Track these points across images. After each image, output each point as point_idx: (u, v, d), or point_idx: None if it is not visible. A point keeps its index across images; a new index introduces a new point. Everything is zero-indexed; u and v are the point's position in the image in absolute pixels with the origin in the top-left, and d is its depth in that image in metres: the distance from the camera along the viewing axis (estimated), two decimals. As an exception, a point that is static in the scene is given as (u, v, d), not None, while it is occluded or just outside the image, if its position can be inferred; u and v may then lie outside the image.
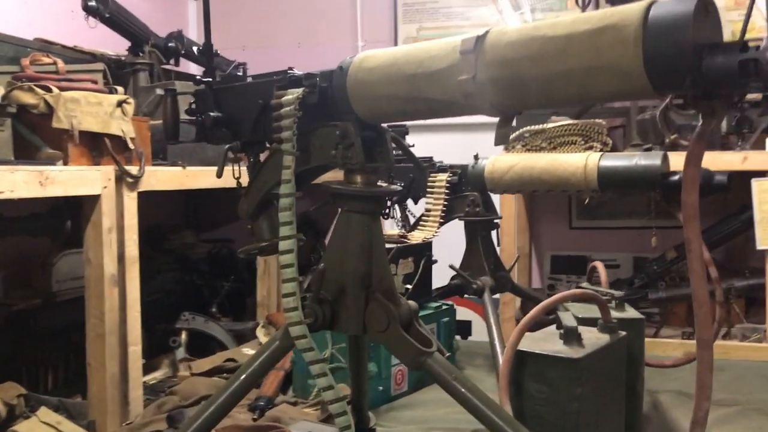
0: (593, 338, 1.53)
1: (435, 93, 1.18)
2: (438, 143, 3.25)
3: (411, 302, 1.37)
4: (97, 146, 2.12)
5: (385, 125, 1.39)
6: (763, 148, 2.83)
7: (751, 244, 3.05)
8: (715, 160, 2.54)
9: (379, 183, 1.40)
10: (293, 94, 1.31)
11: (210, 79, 1.52)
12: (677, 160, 2.11)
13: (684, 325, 3.30)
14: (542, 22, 1.07)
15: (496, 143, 1.18)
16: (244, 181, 1.49)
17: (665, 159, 2.01)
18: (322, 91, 1.32)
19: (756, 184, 2.76)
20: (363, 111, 1.30)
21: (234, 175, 1.48)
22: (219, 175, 1.49)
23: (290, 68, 1.40)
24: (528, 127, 2.89)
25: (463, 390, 1.26)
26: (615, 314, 1.66)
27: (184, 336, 2.78)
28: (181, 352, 2.71)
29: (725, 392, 2.12)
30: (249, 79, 1.51)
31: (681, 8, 0.94)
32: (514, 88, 1.09)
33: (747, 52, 0.91)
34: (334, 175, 1.46)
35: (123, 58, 2.97)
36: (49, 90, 2.01)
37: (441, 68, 1.16)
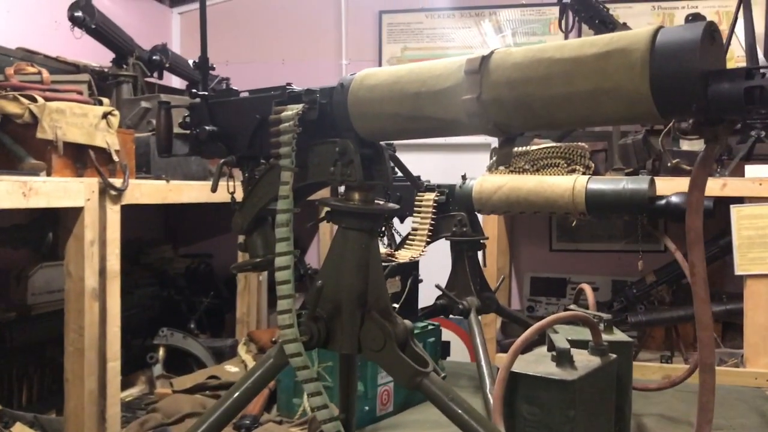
0: (585, 360, 1.53)
1: (438, 112, 1.18)
2: (424, 162, 3.26)
3: (407, 321, 1.36)
4: (81, 158, 2.09)
5: (382, 143, 1.39)
6: (741, 175, 2.89)
7: (728, 269, 3.09)
8: (696, 186, 2.58)
9: (376, 201, 1.39)
10: (293, 109, 1.30)
11: (206, 93, 1.50)
12: (660, 185, 2.14)
13: (662, 349, 3.34)
14: (548, 44, 1.08)
15: (499, 164, 1.19)
16: (239, 196, 1.48)
17: (652, 183, 2.04)
18: (321, 108, 1.32)
19: (735, 210, 2.81)
20: (363, 129, 1.30)
21: (228, 190, 1.46)
22: (214, 189, 1.48)
23: (289, 84, 1.39)
24: (512, 149, 2.92)
25: (459, 411, 1.25)
26: (604, 337, 1.66)
27: (161, 352, 2.74)
28: (158, 369, 2.67)
29: (707, 416, 2.14)
30: (245, 94, 1.50)
31: (688, 35, 0.95)
32: (518, 109, 1.09)
33: (753, 79, 0.92)
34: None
35: (106, 70, 2.94)
36: (34, 100, 1.98)
37: (445, 87, 1.16)
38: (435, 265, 2.57)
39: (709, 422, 1.02)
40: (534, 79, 1.06)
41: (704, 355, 0.99)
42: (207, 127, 1.46)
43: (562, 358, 1.47)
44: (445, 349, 2.62)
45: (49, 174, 1.98)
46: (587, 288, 1.99)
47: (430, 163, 3.44)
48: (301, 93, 1.34)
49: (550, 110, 1.07)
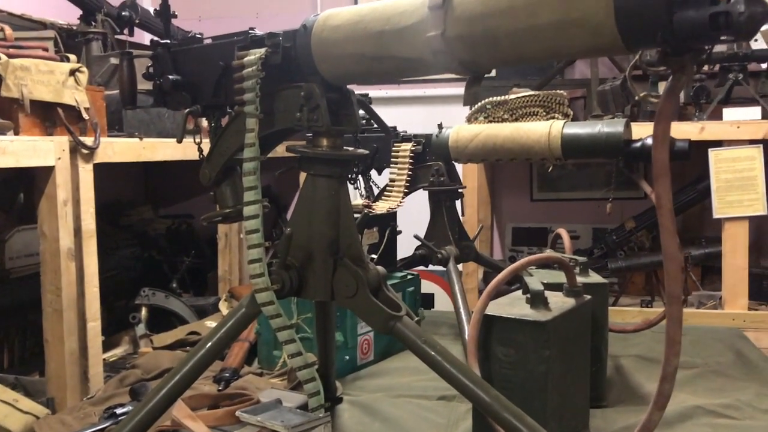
0: (559, 302, 1.54)
1: (403, 51, 1.15)
2: (402, 116, 3.23)
3: (379, 267, 1.35)
4: (50, 116, 2.04)
5: (351, 88, 1.37)
6: (719, 118, 2.88)
7: (707, 213, 3.11)
8: (673, 131, 2.54)
9: (345, 147, 1.37)
10: (255, 54, 1.27)
11: (168, 41, 1.46)
12: (638, 130, 2.13)
13: (642, 294, 3.37)
14: (512, -24, 1.05)
15: (465, 104, 1.16)
16: (206, 149, 1.45)
17: (628, 126, 2.02)
18: (285, 51, 1.29)
19: (713, 154, 2.81)
20: (328, 71, 1.27)
21: (195, 141, 1.44)
22: (180, 140, 1.45)
23: (252, 28, 1.36)
24: (490, 99, 2.89)
25: (432, 353, 1.25)
26: (579, 279, 1.67)
27: (144, 312, 2.73)
28: (141, 329, 2.66)
29: (684, 355, 2.14)
30: (208, 41, 1.46)
31: (652, -39, 0.93)
32: (483, 45, 1.07)
33: (718, 4, 0.90)
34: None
35: (74, 28, 2.87)
36: (-4, 57, 1.93)
37: (409, 24, 1.13)
38: (414, 215, 2.57)
39: (676, 354, 1.03)
40: (497, 12, 1.03)
41: (671, 287, 0.99)
42: (170, 77, 1.43)
43: (536, 300, 1.47)
44: (428, 300, 2.64)
45: (16, 133, 1.94)
46: (563, 232, 1.99)
47: (408, 116, 3.41)
48: (263, 37, 1.31)
49: (515, 44, 1.04)
